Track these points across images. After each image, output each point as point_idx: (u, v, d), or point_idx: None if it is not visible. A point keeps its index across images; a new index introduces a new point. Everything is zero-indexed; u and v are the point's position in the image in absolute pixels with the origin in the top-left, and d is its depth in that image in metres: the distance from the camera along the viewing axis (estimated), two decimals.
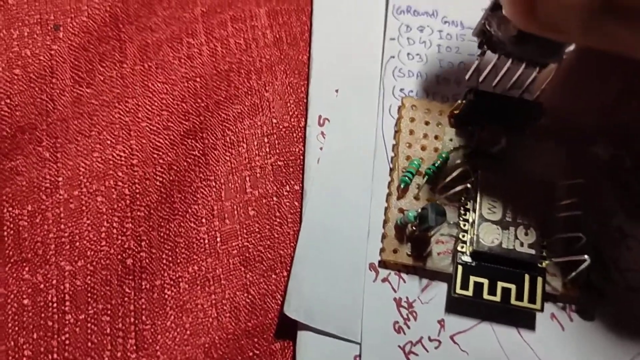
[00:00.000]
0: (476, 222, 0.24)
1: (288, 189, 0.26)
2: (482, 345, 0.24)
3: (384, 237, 0.25)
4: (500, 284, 0.23)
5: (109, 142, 0.26)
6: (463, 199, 0.25)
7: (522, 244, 0.24)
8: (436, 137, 0.26)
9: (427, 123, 0.27)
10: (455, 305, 0.24)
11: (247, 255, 0.25)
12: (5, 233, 0.25)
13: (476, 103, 0.25)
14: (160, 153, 0.26)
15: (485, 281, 0.23)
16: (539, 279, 0.24)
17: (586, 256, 0.23)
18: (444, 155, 0.26)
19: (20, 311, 0.24)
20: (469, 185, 0.24)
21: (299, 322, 0.24)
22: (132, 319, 0.24)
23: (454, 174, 0.24)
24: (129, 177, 0.26)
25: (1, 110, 0.26)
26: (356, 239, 0.25)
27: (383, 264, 0.25)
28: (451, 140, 0.26)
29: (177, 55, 0.28)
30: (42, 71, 0.27)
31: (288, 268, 0.25)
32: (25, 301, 0.24)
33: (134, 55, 0.28)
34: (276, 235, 0.26)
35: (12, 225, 0.25)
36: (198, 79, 0.28)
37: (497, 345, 0.24)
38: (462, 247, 0.24)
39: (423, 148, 0.26)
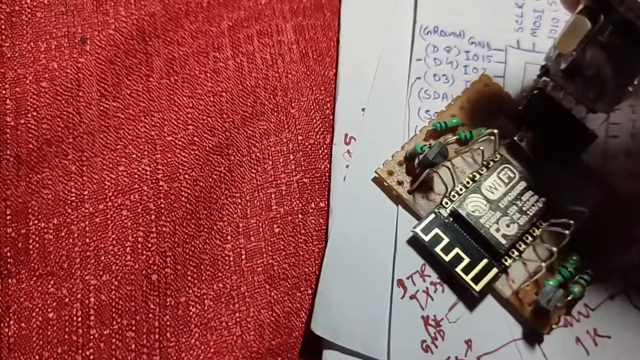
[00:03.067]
0: (470, 189, 0.25)
1: (313, 206, 0.26)
2: None
3: (391, 158, 0.26)
4: (457, 250, 0.24)
5: (134, 156, 0.26)
6: (484, 165, 0.26)
7: (498, 230, 0.24)
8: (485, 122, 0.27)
9: (485, 106, 0.27)
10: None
11: (272, 272, 0.25)
12: (31, 246, 0.25)
13: (538, 104, 0.25)
14: (186, 168, 0.26)
15: (447, 240, 0.24)
16: (494, 270, 0.24)
17: (551, 283, 0.23)
18: (483, 131, 0.26)
19: (45, 325, 0.24)
20: (492, 137, 0.25)
21: (324, 340, 0.24)
22: (157, 336, 0.24)
23: (483, 137, 0.26)
24: (154, 191, 0.26)
25: (28, 122, 0.26)
26: (382, 256, 0.25)
27: (375, 179, 0.26)
28: (499, 128, 0.26)
29: (203, 69, 0.28)
30: (69, 84, 0.27)
31: (313, 286, 0.25)
32: (50, 315, 0.24)
33: (160, 69, 0.28)
34: (301, 253, 0.25)
35: (37, 239, 0.25)
36: (224, 94, 0.28)
37: None
38: (446, 203, 0.25)
39: (471, 118, 0.27)
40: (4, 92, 0.26)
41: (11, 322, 0.24)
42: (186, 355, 0.24)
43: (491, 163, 0.26)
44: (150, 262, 0.25)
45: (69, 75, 0.27)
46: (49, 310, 0.24)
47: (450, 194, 0.25)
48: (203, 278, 0.25)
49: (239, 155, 0.27)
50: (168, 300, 0.24)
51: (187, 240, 0.25)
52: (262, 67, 0.28)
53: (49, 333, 0.24)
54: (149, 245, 0.25)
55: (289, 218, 0.26)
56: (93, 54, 0.28)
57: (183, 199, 0.26)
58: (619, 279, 0.25)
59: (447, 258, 0.24)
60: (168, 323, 0.24)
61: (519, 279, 0.24)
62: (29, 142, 0.26)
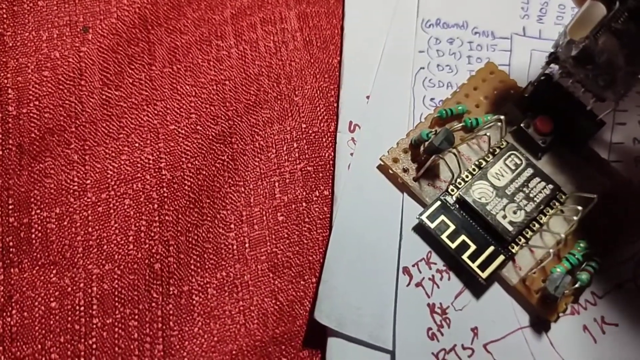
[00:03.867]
0: (476, 176, 0.25)
1: (317, 194, 0.26)
2: (515, 356, 0.23)
3: (396, 145, 0.26)
4: (463, 237, 0.24)
5: (137, 145, 0.26)
6: (490, 151, 0.25)
7: (504, 217, 0.24)
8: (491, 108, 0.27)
9: (491, 93, 0.27)
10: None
11: (275, 261, 0.25)
12: (34, 235, 0.24)
13: (545, 90, 0.25)
14: (189, 157, 0.26)
15: (452, 227, 0.24)
16: (500, 257, 0.24)
17: (559, 270, 0.23)
18: (489, 117, 0.26)
19: (48, 314, 0.24)
20: (498, 124, 0.25)
21: (328, 328, 0.23)
22: (160, 325, 0.24)
23: (489, 124, 0.25)
24: (157, 180, 0.26)
25: (30, 112, 0.26)
26: (387, 244, 0.25)
27: (380, 167, 0.26)
28: (506, 114, 0.26)
29: (206, 57, 0.28)
30: (71, 73, 0.27)
31: (317, 274, 0.25)
32: (53, 304, 0.24)
33: (163, 58, 0.28)
34: (305, 241, 0.25)
35: (40, 228, 0.25)
36: (227, 82, 0.27)
37: (529, 356, 0.23)
38: (452, 190, 0.25)
39: (477, 106, 0.27)
40: (5, 81, 0.26)
41: (13, 312, 0.23)
42: (189, 343, 0.23)
43: (497, 150, 0.25)
44: (153, 251, 0.24)
45: (71, 64, 0.27)
46: (52, 299, 0.24)
47: (456, 181, 0.25)
48: (206, 267, 0.25)
49: (242, 143, 0.26)
50: (171, 289, 0.24)
51: (190, 229, 0.25)
52: (265, 55, 0.28)
53: (52, 322, 0.23)
54: (152, 234, 0.25)
55: (293, 206, 0.26)
56: (95, 43, 0.27)
57: (186, 187, 0.25)
58: (628, 267, 0.25)
59: (453, 245, 0.24)
60: (171, 312, 0.24)
61: (525, 266, 0.24)
62: (31, 132, 0.26)
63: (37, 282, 0.24)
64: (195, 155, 0.26)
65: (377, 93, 0.27)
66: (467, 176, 0.25)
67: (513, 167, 0.25)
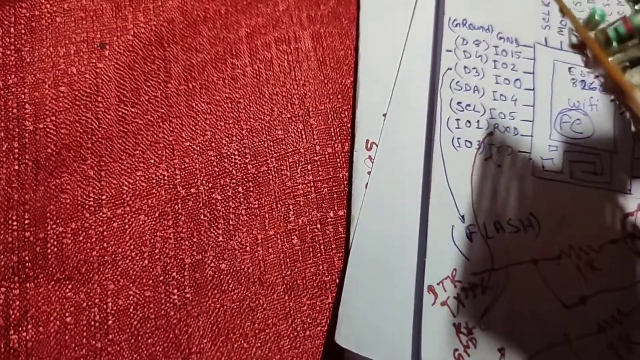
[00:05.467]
0: None
1: (332, 215, 0.26)
2: None
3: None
4: None
5: (152, 161, 0.26)
6: None
7: None
8: None
9: None
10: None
11: (290, 284, 0.25)
12: (49, 250, 0.25)
13: None
14: (203, 174, 0.26)
15: None
16: None
17: None
18: None
19: (63, 329, 0.24)
20: None
21: (347, 351, 0.23)
22: (176, 344, 0.24)
23: None
24: (172, 196, 0.26)
25: (47, 127, 0.26)
26: (407, 264, 0.25)
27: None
28: None
29: (221, 76, 0.28)
30: (87, 89, 0.27)
31: (333, 295, 0.25)
32: (68, 319, 0.24)
33: (179, 75, 0.28)
34: (320, 263, 0.26)
35: (55, 243, 0.25)
36: (242, 100, 0.28)
37: None
38: None
39: None
40: (23, 96, 0.27)
41: (29, 327, 0.24)
42: None
43: None
44: (168, 268, 0.25)
45: (88, 81, 0.27)
46: (67, 314, 0.24)
47: None
48: (223, 289, 0.25)
49: (256, 163, 0.27)
50: (187, 308, 0.24)
51: (206, 248, 0.25)
52: (279, 74, 0.28)
53: (67, 337, 0.24)
54: (167, 250, 0.25)
55: (308, 228, 0.26)
56: (112, 60, 0.28)
57: (200, 205, 0.26)
58: None
59: None
60: (188, 331, 0.24)
61: None
62: (48, 147, 0.26)
63: (53, 297, 0.24)
64: (210, 172, 0.26)
65: (394, 110, 0.27)
66: None
67: None
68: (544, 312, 0.24)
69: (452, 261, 0.24)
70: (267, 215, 0.26)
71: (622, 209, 0.26)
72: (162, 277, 0.25)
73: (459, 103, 0.27)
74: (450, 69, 0.28)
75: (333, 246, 0.26)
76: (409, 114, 0.27)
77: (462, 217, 0.25)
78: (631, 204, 0.26)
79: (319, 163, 0.27)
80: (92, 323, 0.24)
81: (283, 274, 0.25)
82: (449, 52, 0.28)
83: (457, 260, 0.25)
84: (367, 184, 0.26)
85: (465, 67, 0.28)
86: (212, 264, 0.25)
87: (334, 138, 0.28)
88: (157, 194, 0.26)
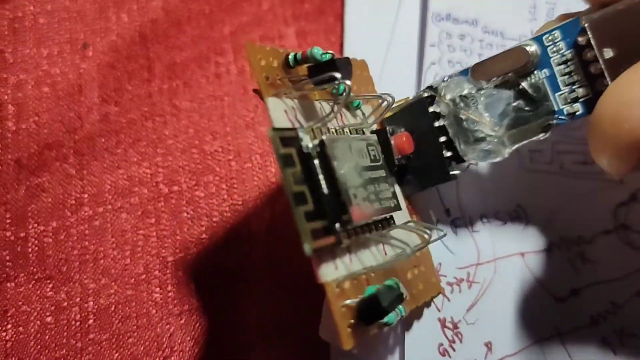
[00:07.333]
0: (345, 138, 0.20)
1: None
2: None
3: None
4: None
5: (134, 159, 0.26)
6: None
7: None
8: None
9: None
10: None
11: (281, 281, 0.25)
12: (30, 249, 0.24)
13: (418, 112, 0.22)
14: (186, 171, 0.26)
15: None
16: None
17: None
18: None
19: (43, 329, 0.23)
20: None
21: (332, 348, 0.23)
22: (158, 344, 0.23)
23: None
24: (154, 194, 0.26)
25: (29, 127, 0.26)
26: None
27: None
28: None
29: (205, 73, 0.28)
30: (70, 89, 0.27)
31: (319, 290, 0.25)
32: (48, 319, 0.24)
33: (162, 74, 0.28)
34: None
35: (36, 242, 0.25)
36: (226, 98, 0.27)
37: None
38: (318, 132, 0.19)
39: None
40: (5, 97, 0.27)
41: (9, 326, 0.23)
42: None
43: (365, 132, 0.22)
44: (150, 267, 0.24)
45: (71, 81, 0.27)
46: (47, 314, 0.24)
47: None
48: (207, 287, 0.25)
49: (241, 161, 0.26)
50: (170, 307, 0.24)
51: (189, 246, 0.25)
52: None
53: (47, 337, 0.23)
54: (149, 249, 0.25)
55: None
56: (95, 60, 0.28)
57: (183, 203, 0.25)
58: None
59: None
60: (171, 331, 0.24)
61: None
62: (30, 147, 0.26)
63: (33, 296, 0.24)
64: (193, 170, 0.26)
65: None
66: (339, 131, 0.20)
67: (372, 158, 0.21)
68: (534, 306, 0.24)
69: (437, 255, 0.24)
70: (250, 212, 0.26)
71: (614, 199, 0.25)
72: (144, 276, 0.24)
73: None
74: (434, 63, 0.28)
75: None
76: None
77: (447, 210, 0.25)
78: (623, 194, 0.25)
79: None
80: (73, 322, 0.24)
81: (273, 272, 0.25)
82: (432, 46, 0.28)
83: (442, 254, 0.24)
84: None
85: (449, 61, 0.28)
86: (196, 263, 0.25)
87: None
88: (139, 192, 0.26)
